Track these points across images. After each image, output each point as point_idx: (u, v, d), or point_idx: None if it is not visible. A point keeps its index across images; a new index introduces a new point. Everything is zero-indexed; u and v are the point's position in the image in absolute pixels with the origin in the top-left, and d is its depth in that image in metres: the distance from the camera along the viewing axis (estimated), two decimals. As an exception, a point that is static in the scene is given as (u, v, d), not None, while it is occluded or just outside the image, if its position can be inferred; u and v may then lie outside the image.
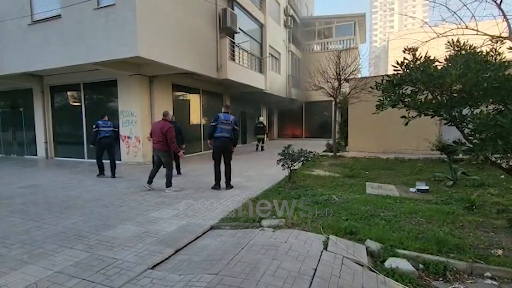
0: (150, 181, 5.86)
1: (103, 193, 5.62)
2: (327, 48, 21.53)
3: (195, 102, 12.46)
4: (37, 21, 9.01)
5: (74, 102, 10.90)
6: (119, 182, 6.68)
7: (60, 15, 8.50)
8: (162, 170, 5.95)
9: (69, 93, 11.01)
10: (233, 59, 11.95)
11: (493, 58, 3.29)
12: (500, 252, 3.02)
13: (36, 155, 11.58)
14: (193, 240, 3.43)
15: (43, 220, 4.12)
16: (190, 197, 5.26)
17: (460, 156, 6.94)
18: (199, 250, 3.18)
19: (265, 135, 13.90)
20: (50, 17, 8.71)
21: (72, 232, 3.66)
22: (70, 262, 2.89)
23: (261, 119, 14.39)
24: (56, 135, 11.32)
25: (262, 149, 13.40)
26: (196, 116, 12.49)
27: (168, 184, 5.73)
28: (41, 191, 5.89)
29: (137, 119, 9.39)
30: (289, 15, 19.63)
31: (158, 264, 2.89)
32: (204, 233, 3.63)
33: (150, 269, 2.78)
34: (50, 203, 4.96)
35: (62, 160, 10.79)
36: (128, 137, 9.57)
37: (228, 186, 5.90)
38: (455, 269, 2.81)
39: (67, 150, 11.05)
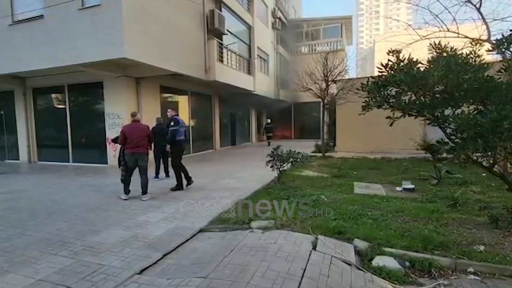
0: (128, 191, 5.36)
1: (89, 197, 5.49)
2: (315, 50, 21.77)
3: (183, 104, 12.35)
4: (19, 21, 8.74)
5: (58, 104, 10.62)
6: (106, 186, 6.53)
7: (42, 15, 8.28)
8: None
9: (53, 95, 10.72)
10: (222, 61, 11.92)
11: (473, 60, 3.40)
12: (482, 248, 3.11)
13: (18, 159, 11.21)
14: (182, 243, 3.39)
15: (26, 226, 3.99)
16: (179, 199, 5.20)
17: (444, 155, 7.14)
18: (188, 253, 3.15)
19: (272, 133, 17.74)
20: (32, 18, 8.47)
21: (56, 238, 3.56)
22: (53, 269, 2.80)
23: (269, 121, 17.62)
24: (39, 139, 10.99)
25: (269, 144, 16.65)
26: (184, 118, 12.31)
27: (146, 191, 5.35)
28: (24, 196, 5.70)
29: (123, 121, 9.22)
30: (277, 17, 19.75)
31: (146, 268, 2.84)
32: (193, 236, 3.60)
33: (137, 274, 2.73)
34: (33, 209, 4.80)
35: (46, 164, 10.48)
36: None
37: (188, 183, 5.94)
38: (439, 265, 2.88)
39: (51, 154, 10.75)
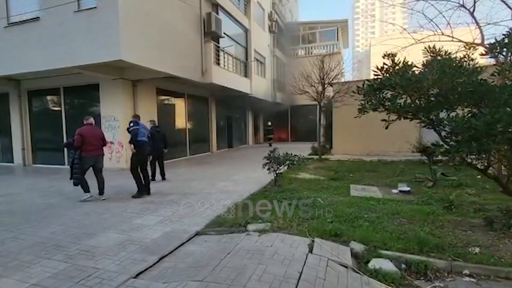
0: (88, 189, 5.46)
1: (84, 200, 5.44)
2: (311, 53, 21.89)
3: (180, 106, 12.33)
4: (14, 23, 8.70)
5: (53, 106, 10.54)
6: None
7: (38, 17, 8.24)
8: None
9: (48, 97, 10.64)
10: (218, 63, 11.94)
11: (467, 64, 3.45)
12: (477, 250, 3.13)
13: (12, 162, 11.09)
14: (178, 247, 3.37)
15: (20, 230, 3.94)
16: (176, 202, 5.18)
17: (439, 157, 7.20)
18: (184, 256, 3.13)
19: (272, 135, 18.49)
20: (28, 20, 8.43)
21: (51, 242, 3.52)
22: (47, 274, 2.77)
23: (269, 123, 18.36)
24: (34, 141, 10.89)
25: (270, 145, 17.45)
26: (181, 120, 12.35)
27: (103, 191, 5.54)
28: (18, 199, 5.64)
29: (120, 124, 9.18)
30: (274, 20, 19.86)
31: (141, 272, 2.82)
32: (190, 239, 3.58)
33: (133, 278, 2.70)
34: (27, 212, 4.75)
35: (41, 167, 10.38)
36: (111, 142, 9.33)
37: (148, 192, 5.80)
38: (435, 267, 2.89)
39: (46, 157, 10.65)
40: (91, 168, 5.58)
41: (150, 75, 9.10)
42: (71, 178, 5.39)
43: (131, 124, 5.61)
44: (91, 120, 5.64)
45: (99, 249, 3.27)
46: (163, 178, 7.34)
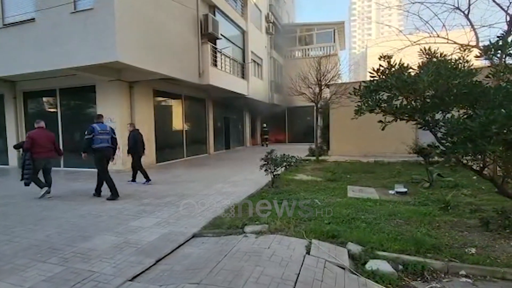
0: (43, 184, 5.78)
1: (80, 203, 5.40)
2: (308, 55, 21.96)
3: (177, 108, 12.31)
4: (10, 24, 8.64)
5: (49, 108, 10.47)
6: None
7: (34, 18, 8.20)
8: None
9: (44, 99, 10.57)
10: (215, 65, 11.94)
11: (462, 66, 3.48)
12: (473, 250, 3.15)
13: (7, 164, 10.99)
14: (175, 249, 3.35)
15: (14, 233, 3.90)
16: (173, 204, 5.16)
17: (435, 158, 7.26)
18: (181, 259, 3.12)
19: (268, 136, 19.50)
20: (24, 21, 8.38)
21: (46, 245, 3.49)
22: (42, 277, 2.74)
23: (265, 125, 19.55)
24: (30, 143, 10.79)
25: (267, 145, 18.59)
26: (178, 122, 12.33)
27: (50, 189, 5.89)
28: (13, 202, 5.58)
29: (116, 125, 9.12)
30: (271, 22, 19.92)
31: (138, 275, 2.80)
32: (187, 241, 3.56)
33: (129, 281, 2.68)
34: (22, 215, 4.70)
35: (36, 169, 10.29)
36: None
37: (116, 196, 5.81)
38: (432, 268, 2.90)
39: (41, 159, 10.56)
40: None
41: (146, 76, 9.07)
42: (21, 179, 5.66)
43: (86, 132, 5.70)
44: (42, 123, 5.94)
45: (95, 252, 3.25)
46: (148, 180, 7.19)
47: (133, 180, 7.29)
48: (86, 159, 5.84)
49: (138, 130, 7.38)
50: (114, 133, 6.01)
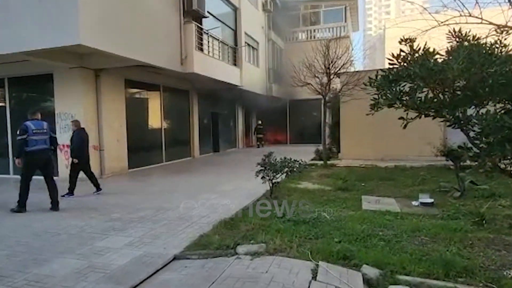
0: None
1: (34, 219, 5.34)
2: (314, 37, 22.08)
3: (154, 101, 12.27)
4: None
5: (-5, 101, 10.36)
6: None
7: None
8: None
9: (-12, 90, 10.46)
10: (201, 49, 11.94)
11: (499, 51, 3.51)
12: (513, 273, 3.18)
13: None
14: (152, 275, 3.33)
15: (-49, 256, 3.84)
16: (148, 219, 5.14)
17: (468, 162, 7.34)
18: (159, 287, 3.10)
19: (263, 135, 20.15)
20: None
21: (-9, 271, 3.44)
22: (-13, 311, 2.70)
23: (260, 122, 20.11)
24: (-29, 145, 10.66)
25: (262, 145, 19.53)
26: (156, 118, 12.29)
27: None
28: (-51, 218, 5.50)
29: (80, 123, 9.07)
30: (269, -3, 20.01)
31: (105, 307, 2.77)
32: (166, 265, 3.55)
33: (95, 314, 2.66)
34: (-39, 234, 4.63)
35: (-21, 176, 10.15)
36: (67, 146, 9.20)
37: (56, 208, 5.86)
38: (464, 295, 2.92)
39: (-15, 164, 10.43)
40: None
41: (117, 63, 9.03)
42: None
43: (18, 133, 5.67)
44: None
45: (52, 279, 3.21)
46: (98, 189, 7.23)
47: (70, 193, 7.00)
48: (20, 166, 5.80)
49: (83, 129, 7.37)
50: (53, 132, 6.00)
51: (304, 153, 12.19)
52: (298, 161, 6.37)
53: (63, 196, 6.90)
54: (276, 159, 6.27)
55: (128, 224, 4.95)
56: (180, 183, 8.46)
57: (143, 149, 11.51)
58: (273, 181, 6.28)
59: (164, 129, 12.58)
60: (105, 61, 8.90)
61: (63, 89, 9.23)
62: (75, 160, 7.01)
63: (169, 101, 12.99)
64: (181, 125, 13.99)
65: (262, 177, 6.18)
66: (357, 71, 11.71)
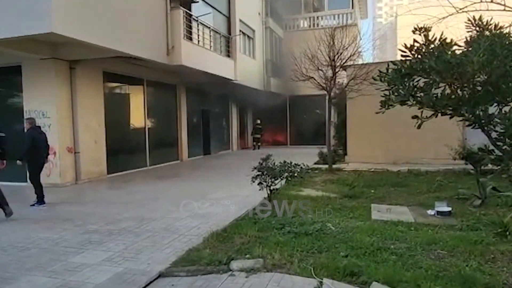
0: None
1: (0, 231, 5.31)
2: (317, 25, 22.11)
3: (137, 97, 12.24)
4: None
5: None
6: (24, 214, 6.34)
7: None
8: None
9: None
10: (190, 38, 11.94)
11: (524, 42, 3.54)
12: (540, 290, 3.20)
13: None
14: (134, 295, 3.32)
15: None
16: (130, 231, 5.12)
17: (490, 166, 7.39)
18: (142, 308, 3.09)
19: (261, 135, 20.47)
20: None
21: (-50, 291, 3.41)
22: None
23: (259, 121, 20.44)
24: None
25: (259, 147, 19.82)
26: (138, 116, 12.25)
27: None
28: None
29: (51, 121, 9.02)
30: (266, -21, 20.07)
31: (81, 332, 2.75)
32: (150, 283, 3.53)
33: None
34: None
35: None
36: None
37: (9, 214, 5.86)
38: (485, 316, 2.94)
39: None
40: None
41: (94, 54, 9.00)
42: None
43: None
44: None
45: (20, 300, 3.19)
46: (41, 202, 6.96)
47: (40, 201, 6.88)
48: None
49: (39, 127, 7.31)
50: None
51: (306, 156, 12.19)
52: (299, 165, 6.37)
53: (33, 205, 6.86)
54: (274, 163, 6.26)
55: (107, 236, 4.93)
56: (166, 190, 8.43)
57: (124, 151, 11.47)
58: (272, 187, 6.27)
59: (148, 128, 12.55)
60: (80, 51, 8.86)
61: (33, 83, 9.17)
62: (19, 162, 6.82)
63: (153, 97, 12.95)
64: (167, 124, 13.95)
65: (259, 183, 6.17)
66: (365, 64, 11.75)
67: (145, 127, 12.41)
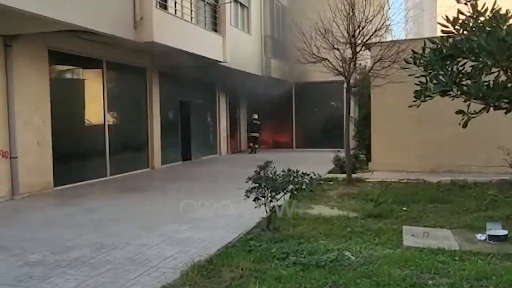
0: None
1: None
2: (333, -10, 22.14)
3: (94, 84, 12.22)
4: None
5: None
6: None
7: None
8: None
9: None
10: (165, 6, 11.93)
11: None
12: None
13: None
14: None
15: None
16: (84, 262, 5.08)
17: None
18: None
19: (259, 134, 21.01)
20: None
21: None
22: None
23: (256, 116, 20.79)
24: None
25: (256, 150, 20.29)
26: (96, 110, 12.21)
27: None
28: None
29: (-21, 116, 9.00)
30: None
31: None
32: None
33: None
34: None
35: None
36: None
37: None
38: None
39: None
40: None
41: (36, 26, 8.98)
42: None
43: None
44: None
45: None
46: None
47: None
48: None
49: None
50: None
51: (318, 163, 12.22)
52: (308, 175, 6.35)
53: None
54: (276, 172, 6.25)
55: (53, 270, 4.87)
56: (132, 208, 8.40)
57: (76, 156, 11.42)
58: (272, 204, 6.25)
59: (109, 125, 12.51)
60: (18, 24, 8.81)
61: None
62: None
63: (116, 84, 12.91)
64: (134, 120, 13.92)
65: (255, 199, 6.15)
66: (395, 41, 11.74)
67: (104, 124, 12.36)
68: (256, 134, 20.43)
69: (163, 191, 10.48)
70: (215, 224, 6.80)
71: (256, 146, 20.32)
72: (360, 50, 11.06)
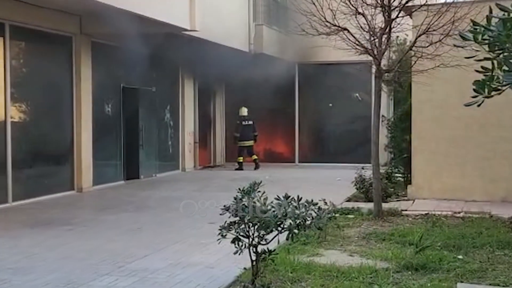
0: None
1: None
2: None
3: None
4: None
5: None
6: None
7: None
8: None
9: None
10: None
11: None
12: None
13: None
14: None
15: None
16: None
17: None
18: None
19: (255, 141, 21.20)
20: None
21: None
22: None
23: (245, 111, 21.09)
24: None
25: (258, 165, 20.54)
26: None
27: None
28: None
29: None
30: None
31: None
32: None
33: None
34: None
35: None
36: None
37: None
38: None
39: None
40: None
41: None
42: None
43: None
44: None
45: None
46: None
47: None
48: None
49: None
50: None
51: (331, 185, 12.26)
52: (316, 204, 6.35)
53: None
54: (266, 199, 6.23)
55: None
56: (44, 253, 8.33)
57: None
58: (261, 248, 6.24)
59: (13, 124, 12.49)
60: None
61: None
62: None
63: (25, 61, 12.92)
64: (52, 116, 13.90)
65: (235, 240, 6.13)
66: (450, 3, 11.80)
67: (5, 122, 12.35)
68: (251, 143, 20.52)
69: (93, 226, 10.42)
70: (172, 279, 6.78)
71: (256, 158, 20.42)
72: (397, 16, 11.10)
